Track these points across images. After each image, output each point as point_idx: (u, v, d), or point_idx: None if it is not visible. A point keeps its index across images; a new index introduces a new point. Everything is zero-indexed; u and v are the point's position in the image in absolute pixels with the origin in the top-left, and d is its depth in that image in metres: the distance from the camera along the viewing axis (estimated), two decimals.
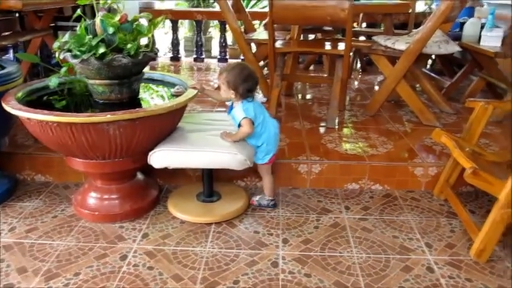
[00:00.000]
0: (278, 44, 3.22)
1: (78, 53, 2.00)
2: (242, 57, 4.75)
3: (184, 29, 7.90)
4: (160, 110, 1.97)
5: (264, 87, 3.54)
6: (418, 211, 2.30)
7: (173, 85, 2.41)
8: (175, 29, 5.31)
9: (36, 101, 2.17)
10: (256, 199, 2.30)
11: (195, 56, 5.32)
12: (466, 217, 2.12)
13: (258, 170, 2.26)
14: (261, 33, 3.82)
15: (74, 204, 2.26)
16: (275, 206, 2.29)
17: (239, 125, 2.09)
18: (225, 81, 2.06)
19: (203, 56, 5.33)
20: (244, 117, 2.06)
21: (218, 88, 2.19)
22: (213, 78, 4.31)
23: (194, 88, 2.23)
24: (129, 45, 2.01)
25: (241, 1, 4.11)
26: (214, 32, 7.72)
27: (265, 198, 2.29)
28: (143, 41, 2.14)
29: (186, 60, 5.44)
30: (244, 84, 2.05)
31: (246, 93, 2.08)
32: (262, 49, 3.50)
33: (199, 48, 5.32)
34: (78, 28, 2.05)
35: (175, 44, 5.33)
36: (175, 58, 5.30)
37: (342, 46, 3.18)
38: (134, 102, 2.20)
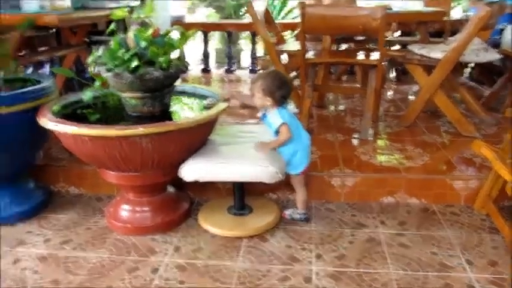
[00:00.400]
0: (309, 54, 3.22)
1: (111, 66, 2.05)
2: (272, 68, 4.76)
3: (215, 40, 8.01)
4: (191, 123, 1.98)
5: (296, 98, 3.52)
6: (458, 226, 2.23)
7: (205, 97, 2.42)
8: (206, 41, 5.37)
9: (71, 114, 2.23)
10: (288, 212, 2.29)
11: (226, 67, 5.37)
12: (508, 233, 2.04)
13: (291, 182, 2.25)
14: (292, 44, 3.83)
15: (106, 216, 2.30)
16: (308, 220, 2.27)
17: (276, 132, 2.11)
18: (260, 89, 2.09)
19: (234, 68, 5.37)
20: (282, 123, 2.08)
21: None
22: (244, 89, 4.35)
23: (226, 100, 2.24)
24: (160, 59, 2.04)
25: (271, 13, 4.13)
26: (244, 43, 7.79)
27: (297, 212, 2.27)
28: (174, 54, 2.17)
29: (216, 71, 5.50)
30: (280, 90, 2.08)
31: (282, 100, 2.11)
32: (294, 60, 3.51)
33: (230, 60, 5.37)
34: (111, 42, 2.10)
35: (206, 55, 5.40)
36: (206, 70, 5.35)
37: (375, 56, 3.15)
38: (166, 115, 2.22)
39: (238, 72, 5.33)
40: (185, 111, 2.35)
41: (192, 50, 7.08)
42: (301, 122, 2.26)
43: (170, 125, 1.94)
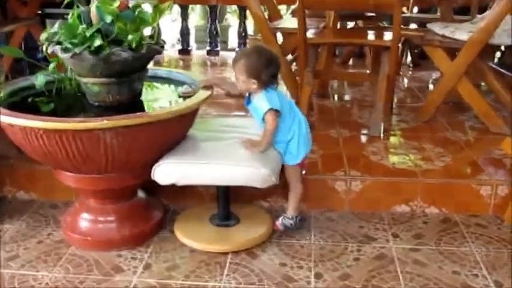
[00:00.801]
0: (310, 33, 3.22)
1: (69, 46, 2.03)
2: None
3: (196, 16, 8.00)
4: (167, 114, 1.98)
5: (292, 86, 3.54)
6: (485, 241, 2.25)
7: (182, 84, 2.43)
8: (184, 16, 5.37)
9: (20, 103, 2.21)
10: (279, 222, 2.29)
11: (208, 48, 5.36)
12: None
13: (286, 175, 2.25)
14: (289, 21, 3.84)
15: (62, 227, 2.29)
16: (302, 223, 2.28)
17: (263, 120, 2.11)
18: (243, 70, 2.09)
19: (218, 49, 5.37)
20: (269, 109, 2.07)
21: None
22: (230, 75, 4.35)
23: (207, 87, 2.25)
24: (130, 37, 2.03)
25: None
26: (231, 19, 7.79)
27: (287, 217, 2.27)
28: (147, 31, 2.17)
29: (197, 53, 5.49)
30: (267, 69, 2.08)
31: (270, 80, 2.11)
32: (291, 40, 3.51)
33: (214, 39, 5.36)
34: (69, 16, 2.09)
35: (184, 34, 5.39)
36: (185, 51, 5.35)
37: (388, 36, 3.17)
38: (136, 105, 2.22)
39: (223, 54, 5.33)
40: (159, 100, 2.35)
41: (168, 27, 7.08)
42: None
43: (141, 116, 1.94)
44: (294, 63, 3.95)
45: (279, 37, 3.75)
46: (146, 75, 2.32)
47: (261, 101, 2.10)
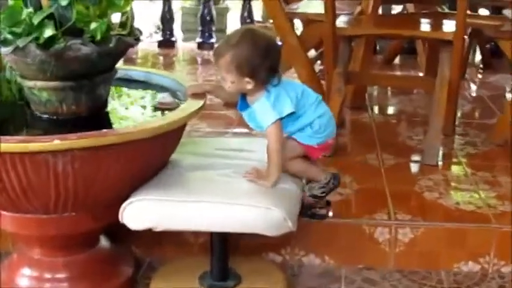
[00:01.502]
0: (341, 21, 3.24)
1: (9, 36, 2.04)
2: (279, 43, 4.79)
3: None
4: (142, 132, 1.97)
5: (317, 92, 3.53)
6: None
7: (164, 89, 2.44)
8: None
9: None
10: (307, 193, 2.36)
11: (199, 39, 5.39)
12: None
13: (288, 167, 2.26)
14: (311, 4, 3.86)
15: None
16: (338, 180, 2.36)
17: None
18: (231, 67, 2.07)
19: (213, 40, 5.39)
20: (276, 119, 2.08)
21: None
22: None
23: (197, 96, 2.26)
24: (93, 25, 2.04)
25: None
26: (231, 1, 7.83)
27: (318, 185, 2.34)
28: (116, 17, 2.18)
29: (184, 46, 5.51)
30: (266, 60, 2.06)
31: (270, 75, 2.10)
32: (314, 30, 3.53)
33: (208, 27, 5.40)
34: None
35: (167, 19, 5.43)
36: (168, 43, 5.39)
37: (449, 26, 3.18)
38: (100, 119, 2.23)
39: None
40: (132, 113, 2.35)
41: (144, 10, 7.11)
42: None
43: (106, 135, 1.93)
44: (319, 62, 3.96)
45: (298, 26, 3.76)
46: (114, 78, 2.32)
47: (263, 110, 2.10)
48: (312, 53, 3.97)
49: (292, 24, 3.63)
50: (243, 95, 2.18)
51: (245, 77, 2.07)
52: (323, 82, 3.53)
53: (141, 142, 1.99)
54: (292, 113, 2.13)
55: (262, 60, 2.05)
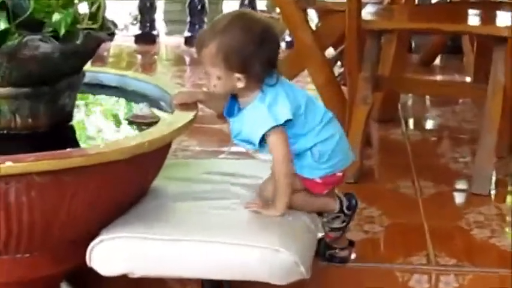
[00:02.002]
0: (367, 12, 3.26)
1: None
2: (288, 39, 4.81)
3: None
4: (117, 153, 1.97)
5: (336, 102, 3.56)
6: None
7: (143, 97, 2.45)
8: None
9: None
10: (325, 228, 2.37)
11: (187, 33, 5.44)
12: None
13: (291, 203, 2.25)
14: None
15: None
16: (355, 200, 2.37)
17: (260, 144, 2.12)
18: (218, 59, 2.06)
19: None
20: (273, 127, 2.06)
21: None
22: None
23: (182, 107, 2.26)
24: (55, 17, 2.05)
25: None
26: None
27: (333, 216, 2.35)
28: (84, 7, 2.19)
29: (168, 41, 5.53)
30: (260, 52, 2.06)
31: (266, 71, 2.09)
32: (334, 23, 3.54)
33: (197, 18, 5.44)
34: None
35: (146, 8, 5.48)
36: (147, 37, 5.44)
37: (505, 19, 3.20)
38: (63, 134, 2.24)
39: None
40: (103, 127, 2.38)
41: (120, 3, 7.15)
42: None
43: (71, 156, 1.92)
44: (339, 64, 3.97)
45: (313, 17, 3.77)
46: (82, 83, 2.33)
47: (255, 115, 2.10)
48: (331, 51, 3.97)
49: (306, 15, 3.63)
50: (234, 98, 2.18)
51: (234, 72, 2.05)
52: (344, 88, 3.54)
53: (115, 165, 1.97)
54: (289, 127, 2.12)
55: (256, 51, 2.04)
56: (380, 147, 3.52)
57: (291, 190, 2.13)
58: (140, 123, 2.27)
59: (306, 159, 2.18)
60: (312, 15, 3.80)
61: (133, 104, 2.45)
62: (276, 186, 2.13)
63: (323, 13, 3.73)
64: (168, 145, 2.21)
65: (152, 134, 2.10)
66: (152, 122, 2.24)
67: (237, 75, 2.06)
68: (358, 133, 3.17)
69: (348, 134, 3.17)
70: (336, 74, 3.84)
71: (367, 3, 3.40)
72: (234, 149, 3.37)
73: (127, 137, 2.20)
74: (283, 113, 2.06)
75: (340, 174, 2.25)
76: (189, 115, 2.22)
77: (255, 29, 2.07)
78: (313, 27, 3.73)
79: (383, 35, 3.37)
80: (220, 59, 2.05)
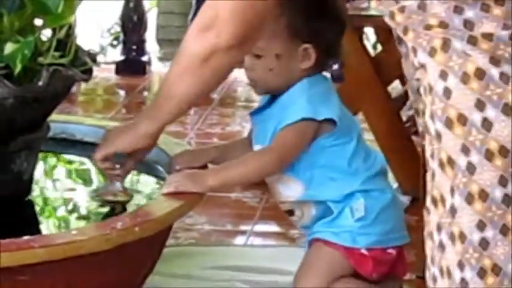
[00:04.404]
0: None
1: None
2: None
3: None
4: (96, 242, 1.97)
5: (404, 157, 3.62)
6: None
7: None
8: None
9: None
10: None
11: None
12: None
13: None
14: None
15: None
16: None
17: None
18: (279, 27, 2.13)
19: None
20: (305, 118, 2.11)
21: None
22: (245, 129, 4.40)
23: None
24: (9, 47, 2.07)
25: None
26: None
27: None
28: (48, 32, 2.21)
29: (164, 70, 5.56)
30: (330, 25, 2.18)
31: (334, 50, 2.21)
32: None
33: None
34: None
35: (132, 23, 5.59)
36: (133, 65, 5.55)
37: None
38: (18, 214, 2.24)
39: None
40: (76, 201, 2.37)
41: (93, 7, 7.20)
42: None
43: (32, 246, 1.91)
44: (408, 104, 3.99)
45: (371, 37, 3.80)
46: (44, 140, 2.34)
47: (293, 100, 2.17)
48: (396, 85, 3.99)
49: (361, 36, 3.65)
50: (271, 99, 2.24)
51: (301, 40, 2.14)
52: (416, 140, 3.55)
53: (93, 259, 1.98)
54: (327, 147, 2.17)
55: (326, 22, 2.17)
56: None
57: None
58: (107, 201, 2.28)
59: (344, 219, 2.23)
60: (371, 35, 3.81)
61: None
62: (231, 162, 2.22)
63: (386, 33, 3.75)
64: (167, 229, 2.22)
65: (146, 213, 2.10)
66: (118, 202, 2.26)
67: (305, 45, 2.14)
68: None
69: (424, 205, 3.17)
70: (404, 118, 3.84)
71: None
72: (258, 227, 3.39)
73: (110, 220, 2.18)
74: (326, 110, 2.14)
75: (393, 252, 2.28)
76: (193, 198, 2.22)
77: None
78: (372, 52, 3.73)
79: None
80: (283, 24, 2.12)
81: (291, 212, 2.29)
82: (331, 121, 2.13)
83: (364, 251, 2.23)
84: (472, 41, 1.53)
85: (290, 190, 2.23)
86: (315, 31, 2.15)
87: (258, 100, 2.47)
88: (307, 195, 2.20)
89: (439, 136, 1.61)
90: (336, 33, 2.19)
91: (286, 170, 2.20)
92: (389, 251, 2.28)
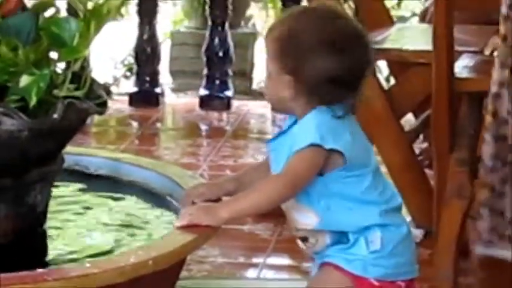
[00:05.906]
0: (463, 67, 3.27)
1: None
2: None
3: (175, 8, 8.19)
4: (110, 275, 1.95)
5: (418, 191, 3.60)
6: None
7: (144, 193, 2.48)
8: (147, 17, 5.59)
9: None
10: None
11: (204, 90, 5.52)
12: None
13: None
14: (406, 34, 3.90)
15: None
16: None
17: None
18: (275, 51, 2.13)
19: (229, 92, 5.52)
20: (312, 144, 2.07)
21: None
22: (256, 161, 4.37)
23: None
24: (24, 80, 2.07)
25: None
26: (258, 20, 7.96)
27: None
28: (62, 65, 2.22)
29: (176, 102, 5.58)
30: (329, 58, 2.09)
31: (338, 91, 2.11)
32: (414, 80, 3.55)
33: (219, 68, 5.52)
34: None
35: (145, 55, 5.58)
36: (147, 97, 5.52)
37: None
38: (32, 247, 2.24)
39: (240, 105, 5.52)
40: (89, 235, 2.37)
41: (105, 37, 7.21)
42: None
43: (45, 279, 1.88)
44: (421, 138, 3.98)
45: (384, 71, 3.79)
46: (59, 173, 2.35)
47: (303, 128, 2.14)
48: (409, 118, 3.99)
49: (374, 69, 3.65)
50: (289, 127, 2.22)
51: (284, 71, 2.11)
52: (429, 173, 3.54)
53: None
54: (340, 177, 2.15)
55: (323, 55, 2.09)
56: (482, 260, 3.49)
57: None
58: None
59: (358, 248, 2.20)
60: (384, 69, 3.80)
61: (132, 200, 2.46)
62: (243, 193, 2.21)
63: (399, 66, 3.74)
64: (181, 262, 2.21)
65: (160, 247, 2.10)
66: None
67: (286, 76, 2.11)
68: (450, 238, 3.15)
69: (437, 239, 3.16)
70: (417, 152, 3.83)
71: (461, 53, 3.39)
72: (272, 260, 3.38)
73: (123, 253, 2.20)
74: (333, 141, 2.10)
75: (402, 284, 2.27)
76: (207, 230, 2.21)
77: (337, 27, 2.13)
78: (385, 85, 3.72)
79: (484, 98, 3.35)
80: (277, 49, 2.12)
81: (304, 239, 2.28)
82: (340, 153, 2.10)
83: (373, 281, 2.22)
84: None
85: (306, 218, 2.21)
86: (298, 67, 2.11)
87: (270, 132, 2.48)
88: (323, 225, 2.19)
89: None
90: (332, 85, 2.09)
91: (301, 200, 2.19)
92: (399, 283, 2.27)
